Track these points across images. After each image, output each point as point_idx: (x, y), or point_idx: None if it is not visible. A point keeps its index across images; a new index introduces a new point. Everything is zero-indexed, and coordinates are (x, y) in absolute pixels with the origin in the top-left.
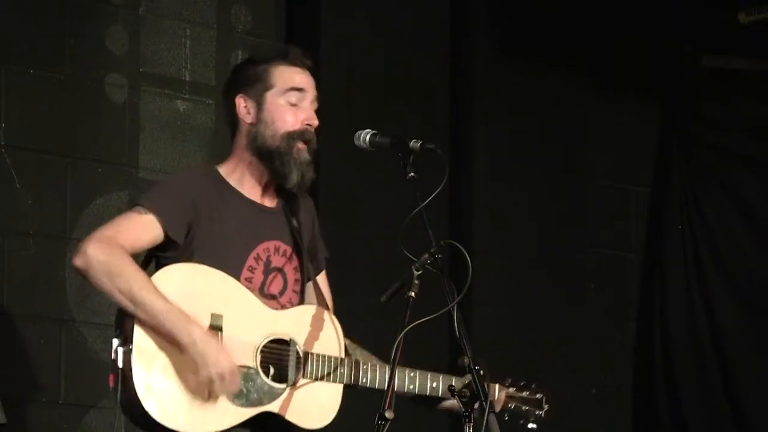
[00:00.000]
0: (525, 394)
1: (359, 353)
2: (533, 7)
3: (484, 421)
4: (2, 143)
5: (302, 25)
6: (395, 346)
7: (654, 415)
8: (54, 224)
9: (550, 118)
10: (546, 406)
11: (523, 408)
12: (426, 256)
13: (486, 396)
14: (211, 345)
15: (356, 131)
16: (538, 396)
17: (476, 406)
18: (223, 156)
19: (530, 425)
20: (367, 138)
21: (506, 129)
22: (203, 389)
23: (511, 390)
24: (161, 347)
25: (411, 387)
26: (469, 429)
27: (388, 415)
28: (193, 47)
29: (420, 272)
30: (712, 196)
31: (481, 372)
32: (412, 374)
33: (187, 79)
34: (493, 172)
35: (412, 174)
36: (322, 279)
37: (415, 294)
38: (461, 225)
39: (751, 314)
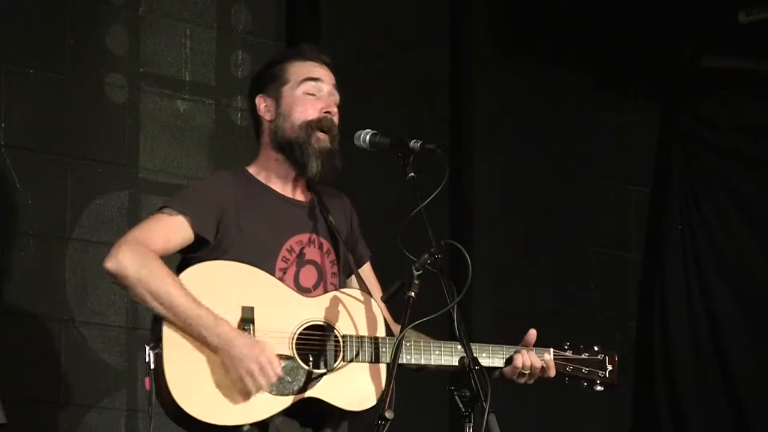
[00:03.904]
0: (584, 356)
1: (414, 337)
2: (533, 7)
3: (484, 421)
4: (2, 143)
5: (302, 25)
6: (395, 345)
7: (654, 415)
8: (54, 224)
9: (550, 118)
10: (610, 366)
11: (584, 370)
12: (426, 256)
13: (486, 396)
14: (238, 343)
15: (356, 131)
16: (600, 357)
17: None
18: (227, 155)
19: (597, 388)
20: (367, 138)
21: (506, 129)
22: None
23: (568, 353)
24: (192, 345)
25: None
26: (469, 429)
27: (388, 415)
28: (193, 47)
29: (420, 272)
30: (712, 196)
31: (482, 371)
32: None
33: (187, 79)
34: (493, 172)
35: (412, 174)
36: (365, 271)
37: (415, 294)
38: (461, 225)
39: (751, 314)
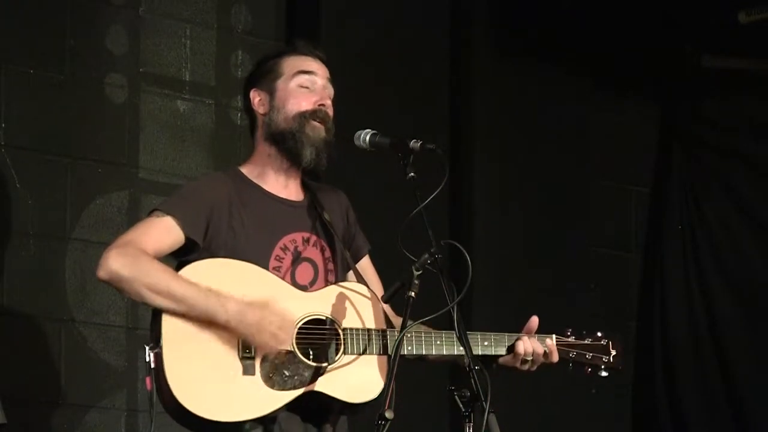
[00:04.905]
0: (588, 341)
1: (414, 327)
2: (533, 7)
3: (484, 421)
4: (2, 143)
5: (302, 25)
6: (395, 345)
7: (654, 415)
8: (54, 224)
9: (550, 118)
10: (614, 351)
11: (587, 356)
12: (426, 256)
13: (486, 396)
14: (249, 312)
15: (356, 131)
16: (603, 342)
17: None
18: (227, 155)
19: (602, 373)
20: (367, 138)
21: (506, 129)
22: (241, 376)
23: (571, 339)
24: (192, 343)
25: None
26: (469, 429)
27: (388, 415)
28: (193, 47)
29: (420, 272)
30: (712, 196)
31: (482, 372)
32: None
33: (187, 79)
34: (493, 171)
35: (412, 174)
36: (364, 264)
37: (415, 294)
38: (461, 225)
39: (750, 314)
